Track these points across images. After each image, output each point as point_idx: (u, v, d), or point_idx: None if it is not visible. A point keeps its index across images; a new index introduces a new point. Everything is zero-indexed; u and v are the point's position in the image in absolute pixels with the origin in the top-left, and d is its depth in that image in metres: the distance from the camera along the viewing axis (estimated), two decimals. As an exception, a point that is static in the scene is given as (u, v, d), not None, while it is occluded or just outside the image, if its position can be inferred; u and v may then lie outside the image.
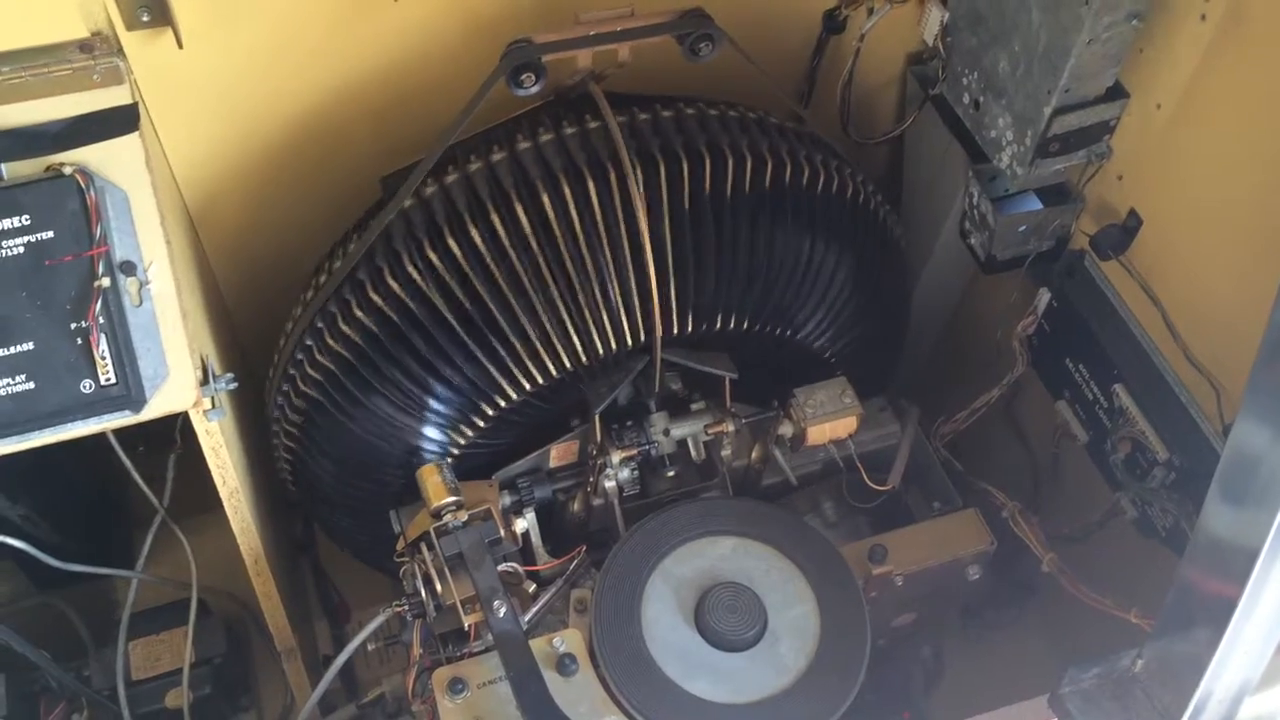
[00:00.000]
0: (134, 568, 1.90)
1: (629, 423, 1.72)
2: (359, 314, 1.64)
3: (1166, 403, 1.71)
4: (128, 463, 1.77)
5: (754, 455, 1.78)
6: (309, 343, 1.70)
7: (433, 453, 1.71)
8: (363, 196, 1.84)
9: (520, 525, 1.64)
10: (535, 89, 1.55)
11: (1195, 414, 1.67)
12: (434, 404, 1.66)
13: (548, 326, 1.62)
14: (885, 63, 2.07)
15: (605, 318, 1.62)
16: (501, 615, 1.47)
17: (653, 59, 1.75)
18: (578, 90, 1.70)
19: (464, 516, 1.55)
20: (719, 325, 1.67)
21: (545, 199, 1.59)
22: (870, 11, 1.88)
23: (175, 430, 1.80)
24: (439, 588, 1.51)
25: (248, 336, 2.06)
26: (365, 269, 1.65)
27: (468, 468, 1.73)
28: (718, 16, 1.89)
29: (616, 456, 1.68)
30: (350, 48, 1.72)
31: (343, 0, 1.66)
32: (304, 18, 1.66)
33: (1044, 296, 1.94)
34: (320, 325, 1.69)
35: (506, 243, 1.60)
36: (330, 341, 1.67)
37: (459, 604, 1.50)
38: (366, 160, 1.83)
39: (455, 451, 1.71)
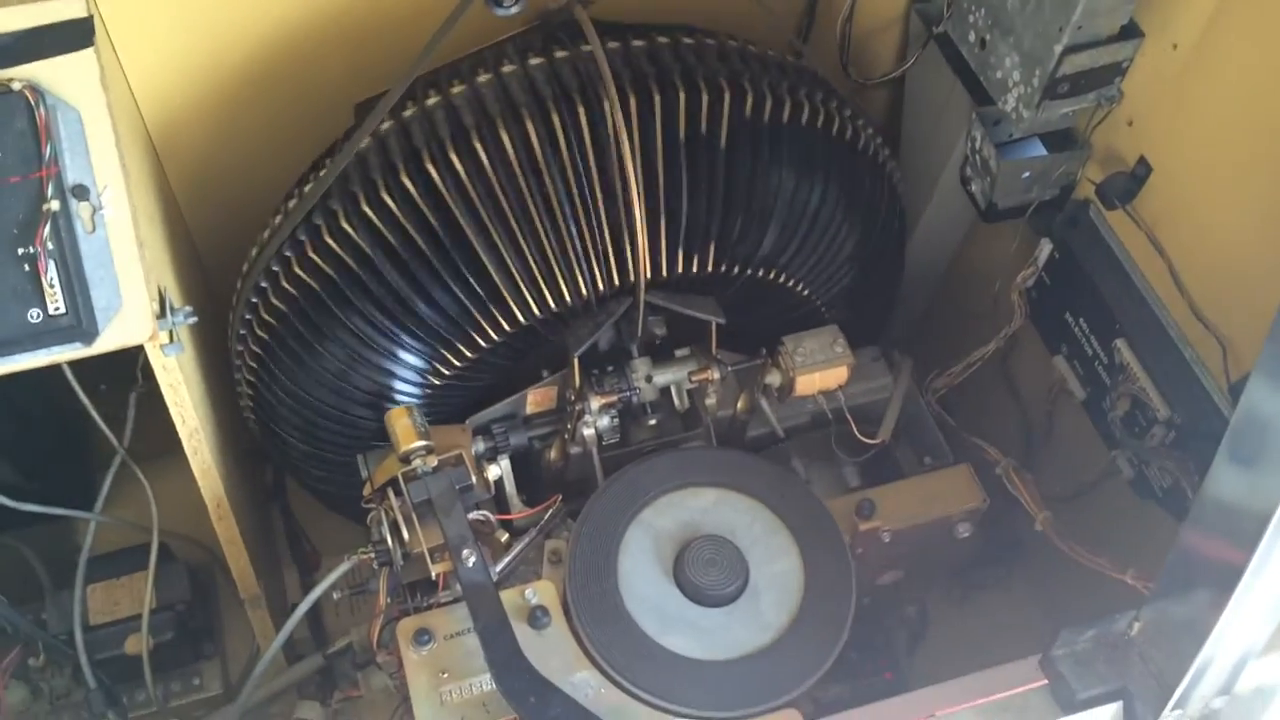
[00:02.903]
0: (93, 509, 1.83)
1: (610, 368, 1.64)
2: (326, 244, 1.56)
3: (1169, 359, 1.64)
4: (85, 400, 1.70)
5: (740, 405, 1.71)
6: (275, 270, 1.62)
7: (403, 395, 1.63)
8: (337, 123, 1.74)
9: (494, 472, 1.57)
10: (516, 8, 1.46)
11: (1199, 371, 1.60)
12: (405, 343, 1.58)
13: (526, 264, 1.54)
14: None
15: (587, 257, 1.55)
16: (471, 565, 1.40)
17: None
18: (563, 15, 1.61)
19: (434, 462, 1.48)
20: (705, 268, 1.60)
21: (526, 128, 1.51)
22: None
23: (136, 368, 1.72)
24: (406, 535, 1.45)
25: (214, 271, 1.97)
26: (333, 198, 1.56)
27: (441, 412, 1.66)
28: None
29: (596, 403, 1.60)
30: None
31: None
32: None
33: (1045, 247, 1.86)
34: (286, 254, 1.60)
35: (483, 174, 1.51)
36: (295, 272, 1.59)
37: (426, 552, 1.43)
38: (341, 85, 1.73)
39: (427, 394, 1.63)
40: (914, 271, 2.14)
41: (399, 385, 1.62)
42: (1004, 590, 2.23)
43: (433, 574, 1.44)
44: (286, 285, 1.60)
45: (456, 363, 1.59)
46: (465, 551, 1.41)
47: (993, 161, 1.80)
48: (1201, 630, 1.14)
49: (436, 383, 1.61)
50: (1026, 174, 1.80)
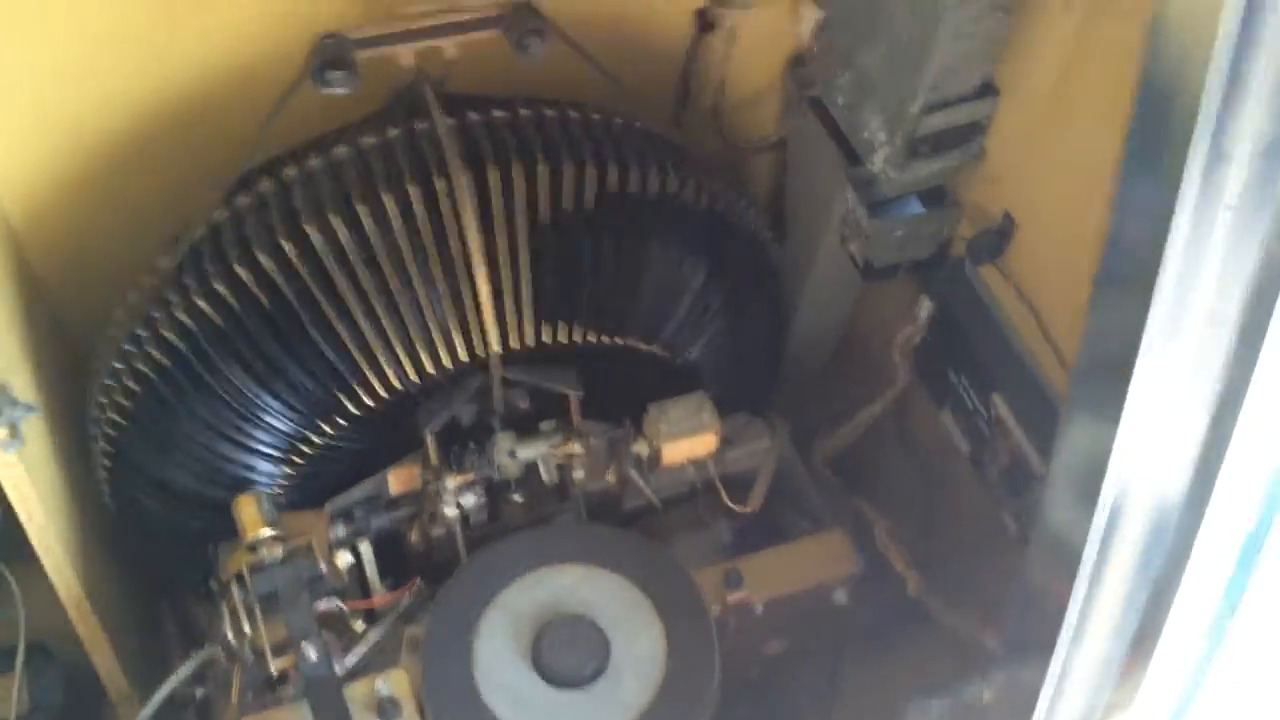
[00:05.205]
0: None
1: (471, 445, 1.60)
2: (165, 335, 1.53)
3: (1044, 414, 1.62)
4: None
5: (610, 477, 1.67)
6: (118, 365, 1.58)
7: (265, 479, 1.59)
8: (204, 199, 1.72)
9: (344, 559, 1.52)
10: (344, 88, 1.45)
11: (1072, 425, 1.58)
12: (252, 433, 1.54)
13: (366, 347, 1.51)
14: (764, 64, 1.98)
15: (430, 335, 1.52)
16: (312, 658, 1.35)
17: (509, 60, 1.65)
18: (414, 92, 1.60)
19: (280, 551, 1.44)
20: (561, 339, 1.57)
21: (364, 207, 1.49)
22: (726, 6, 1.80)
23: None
24: (247, 629, 1.40)
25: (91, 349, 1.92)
26: (172, 288, 1.54)
27: (313, 493, 1.62)
28: (588, 16, 1.79)
29: (452, 482, 1.56)
30: (179, 45, 1.60)
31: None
32: (120, 16, 1.55)
33: (925, 305, 1.85)
34: (128, 346, 1.57)
35: (315, 259, 1.49)
36: (137, 363, 1.55)
37: (267, 647, 1.38)
38: (209, 163, 1.71)
39: (290, 478, 1.59)
40: (807, 332, 2.12)
41: (257, 472, 1.58)
42: (923, 647, 2.17)
43: (272, 670, 1.38)
44: (137, 363, 1.56)
45: (308, 450, 1.56)
46: (305, 644, 1.36)
47: (864, 221, 1.80)
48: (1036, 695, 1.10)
49: (291, 472, 1.57)
50: (899, 232, 1.79)
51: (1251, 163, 0.76)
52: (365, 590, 1.57)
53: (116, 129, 1.69)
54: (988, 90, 1.62)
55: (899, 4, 1.57)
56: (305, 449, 1.56)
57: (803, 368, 2.16)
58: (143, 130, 1.69)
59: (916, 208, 1.83)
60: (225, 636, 1.41)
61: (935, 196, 1.80)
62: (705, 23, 1.88)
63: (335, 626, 1.46)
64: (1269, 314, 0.80)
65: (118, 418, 1.59)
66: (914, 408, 1.96)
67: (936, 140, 1.66)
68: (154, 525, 1.70)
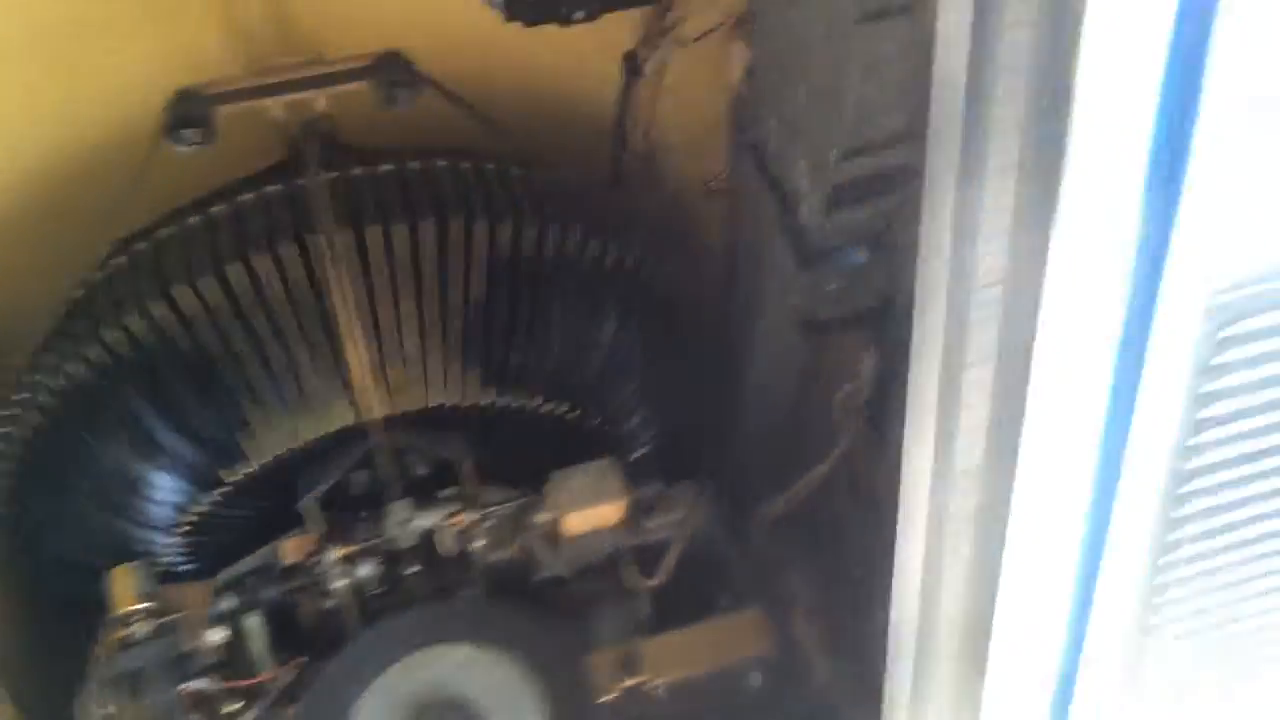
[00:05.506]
0: None
1: (363, 513, 1.53)
2: (41, 400, 1.49)
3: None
4: None
5: (514, 548, 1.58)
6: (2, 430, 1.55)
7: (155, 553, 1.54)
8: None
9: (216, 635, 1.45)
10: (197, 146, 1.40)
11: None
12: (131, 502, 1.49)
13: (245, 410, 1.45)
14: (700, 107, 1.90)
15: (311, 399, 1.45)
16: (165, 746, 1.29)
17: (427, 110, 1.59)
18: (306, 146, 1.54)
19: (148, 627, 1.38)
20: (453, 402, 1.49)
21: (235, 268, 1.43)
22: (655, 48, 1.72)
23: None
24: (111, 710, 1.34)
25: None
26: (47, 352, 1.50)
27: (210, 560, 1.56)
28: (517, 68, 1.73)
29: (335, 554, 1.49)
30: (65, 107, 1.58)
31: (51, 55, 1.52)
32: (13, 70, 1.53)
33: (870, 360, 1.74)
34: (10, 412, 1.53)
35: (190, 324, 1.44)
36: (19, 428, 1.52)
37: (123, 731, 1.32)
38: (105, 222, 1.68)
39: (177, 552, 1.54)
40: (758, 387, 2.01)
41: (147, 542, 1.53)
42: None
43: (126, 759, 1.32)
44: (18, 430, 1.53)
45: (194, 519, 1.50)
46: (160, 730, 1.29)
47: (794, 274, 1.69)
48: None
49: (182, 542, 1.52)
50: (832, 286, 1.68)
51: (1001, 237, 0.66)
52: (252, 667, 1.50)
53: (16, 181, 1.67)
54: (917, 132, 1.51)
55: (816, 44, 1.48)
56: (191, 518, 1.51)
57: (756, 424, 2.05)
58: (41, 187, 1.67)
59: (858, 257, 1.73)
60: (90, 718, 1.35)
61: (876, 245, 1.69)
62: (634, 67, 1.81)
63: (206, 708, 1.39)
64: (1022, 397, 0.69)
65: (5, 485, 1.55)
66: (869, 469, 1.84)
67: (862, 187, 1.55)
68: (57, 595, 1.65)
